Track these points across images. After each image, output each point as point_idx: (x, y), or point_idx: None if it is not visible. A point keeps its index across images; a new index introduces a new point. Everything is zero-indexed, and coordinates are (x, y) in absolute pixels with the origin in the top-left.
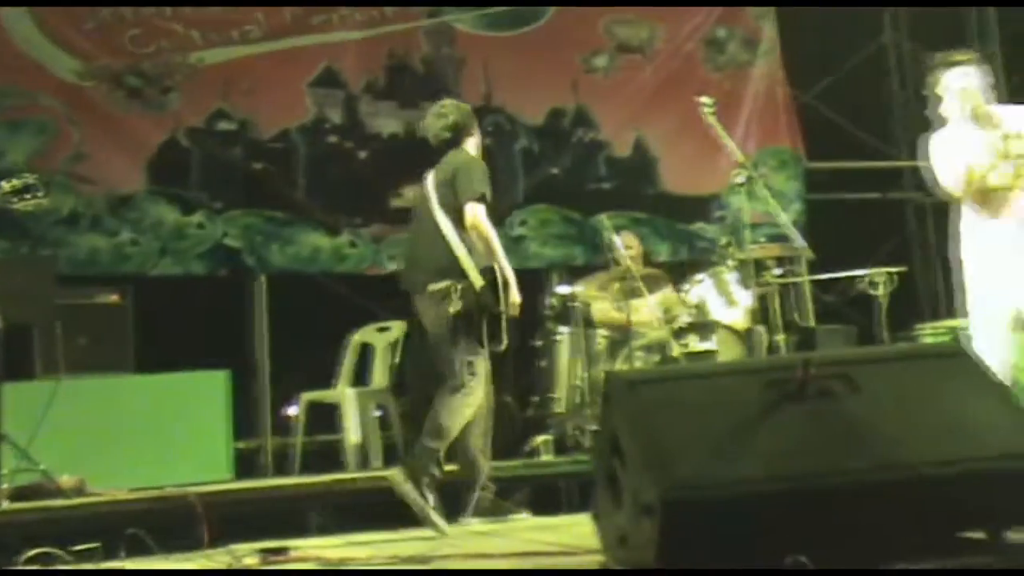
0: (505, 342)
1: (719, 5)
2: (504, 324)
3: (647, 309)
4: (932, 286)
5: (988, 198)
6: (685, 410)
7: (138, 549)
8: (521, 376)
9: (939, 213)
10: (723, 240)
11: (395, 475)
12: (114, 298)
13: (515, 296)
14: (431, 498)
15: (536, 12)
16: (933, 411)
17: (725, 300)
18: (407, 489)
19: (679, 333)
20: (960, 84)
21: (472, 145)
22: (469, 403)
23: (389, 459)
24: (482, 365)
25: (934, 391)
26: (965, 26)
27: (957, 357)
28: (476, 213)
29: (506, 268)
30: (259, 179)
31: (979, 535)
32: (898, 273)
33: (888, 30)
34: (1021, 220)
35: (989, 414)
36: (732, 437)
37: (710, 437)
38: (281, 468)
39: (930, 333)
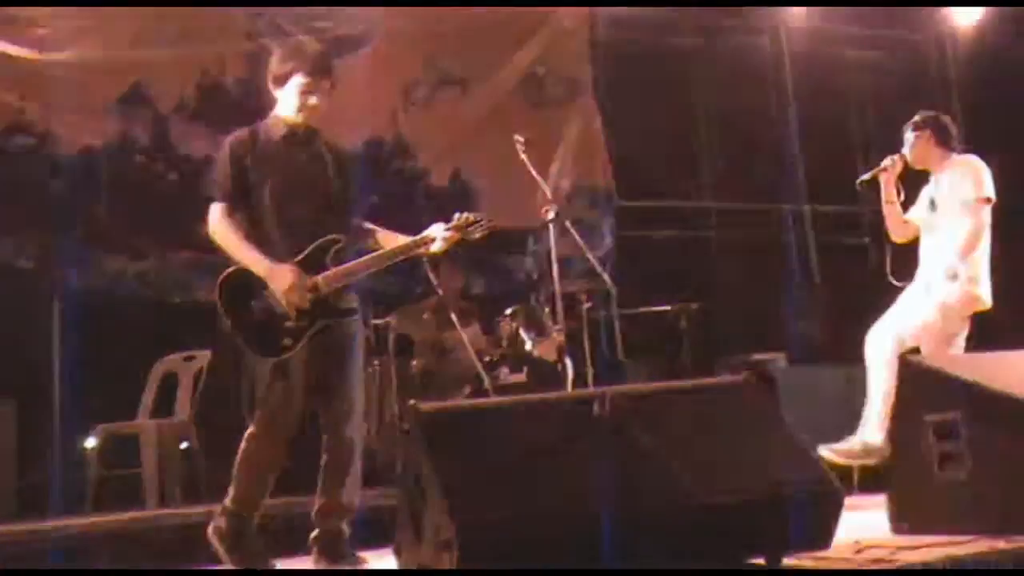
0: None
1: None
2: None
3: (460, 341)
4: (734, 321)
5: None
6: (485, 445)
7: None
8: None
9: (742, 252)
10: (535, 274)
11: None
12: None
13: (275, 290)
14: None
15: (360, 40)
16: (720, 444)
17: (536, 333)
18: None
19: (491, 365)
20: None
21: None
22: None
23: (190, 494)
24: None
25: (721, 425)
26: (766, 78)
27: (744, 392)
28: (209, 215)
29: (253, 265)
30: (59, 198)
31: (759, 561)
32: (701, 308)
33: (696, 77)
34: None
35: (771, 446)
36: (530, 471)
37: (509, 471)
38: (73, 505)
39: (730, 365)
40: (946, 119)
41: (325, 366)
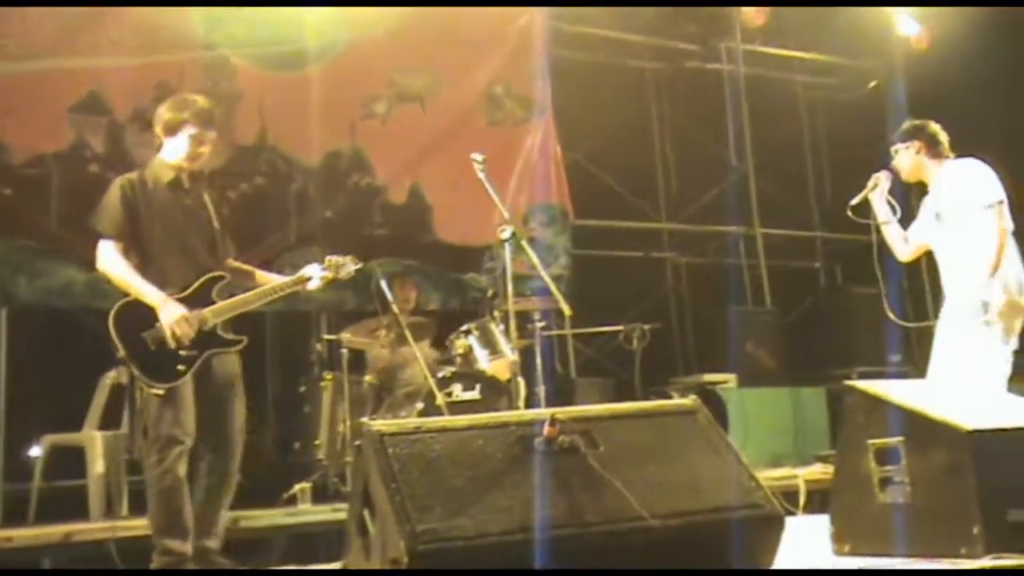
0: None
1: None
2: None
3: (413, 357)
4: (686, 342)
5: None
6: (434, 464)
7: None
8: (284, 422)
9: (695, 273)
10: (489, 292)
11: None
12: None
13: (165, 321)
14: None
15: (319, 54)
16: (665, 466)
17: (490, 351)
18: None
19: (444, 382)
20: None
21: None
22: None
23: (137, 507)
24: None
25: (668, 447)
26: (722, 102)
27: (691, 415)
28: (99, 251)
29: (145, 296)
30: (8, 206)
31: None
32: (653, 329)
33: (652, 99)
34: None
35: (714, 469)
36: (478, 491)
37: (457, 491)
38: (15, 516)
39: (679, 387)
40: (935, 126)
41: (211, 392)
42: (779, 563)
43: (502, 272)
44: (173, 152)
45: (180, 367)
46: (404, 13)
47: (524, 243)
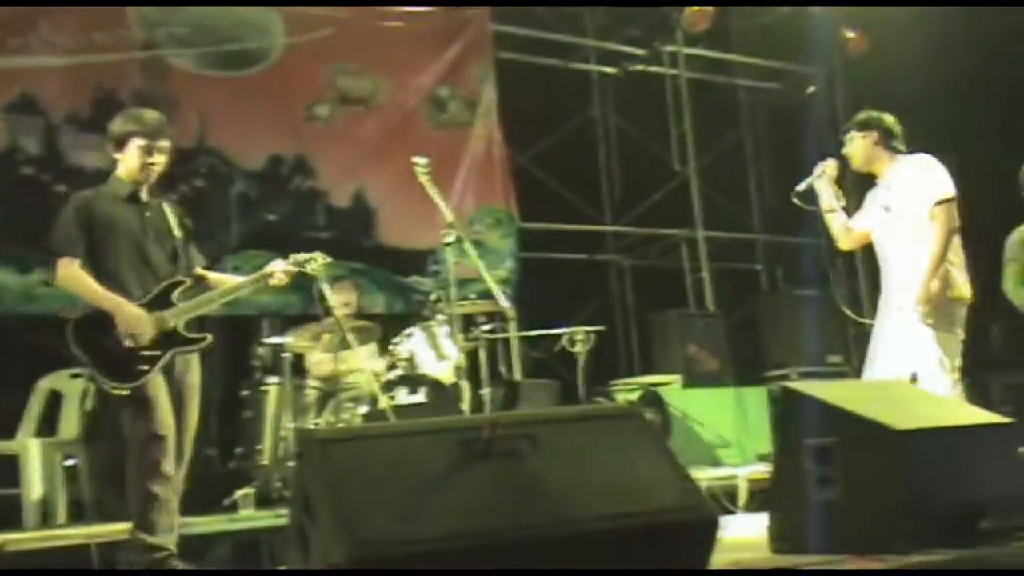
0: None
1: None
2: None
3: (357, 361)
4: (630, 344)
5: None
6: (375, 469)
7: None
8: (226, 427)
9: (639, 276)
10: (434, 295)
11: None
12: None
13: (121, 321)
14: None
15: (261, 55)
16: (605, 469)
17: (435, 354)
18: None
19: (388, 386)
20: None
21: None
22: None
23: (76, 516)
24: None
25: (607, 451)
26: (666, 106)
27: (630, 418)
28: (58, 270)
29: (103, 302)
30: None
31: None
32: (597, 331)
33: (596, 102)
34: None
35: (652, 472)
36: (419, 496)
37: (397, 496)
38: None
39: (623, 389)
40: (892, 119)
41: (173, 394)
42: (716, 562)
43: (446, 275)
44: (125, 166)
45: (143, 366)
46: (348, 14)
47: (468, 246)
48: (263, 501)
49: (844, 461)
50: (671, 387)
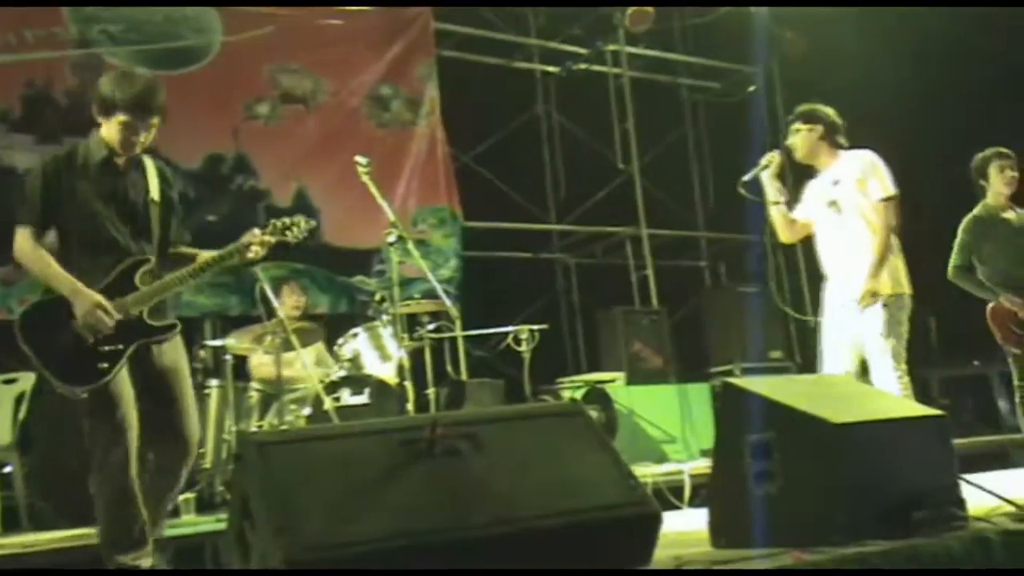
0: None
1: None
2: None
3: (301, 362)
4: (575, 342)
5: None
6: (314, 471)
7: None
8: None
9: (583, 274)
10: (378, 295)
11: None
12: None
13: (77, 312)
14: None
15: (200, 53)
16: (546, 467)
17: (379, 354)
18: None
19: (332, 387)
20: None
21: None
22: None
23: (8, 524)
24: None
25: (549, 449)
26: (609, 104)
27: (572, 416)
28: (16, 239)
29: (60, 286)
30: None
31: None
32: (542, 330)
33: (540, 101)
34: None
35: (594, 469)
36: (359, 497)
37: (338, 498)
38: None
39: (569, 386)
40: (834, 113)
41: (150, 385)
42: (658, 558)
43: (390, 275)
44: (107, 134)
45: (102, 364)
46: (289, 12)
47: (411, 246)
48: (205, 505)
49: (783, 455)
50: (616, 384)
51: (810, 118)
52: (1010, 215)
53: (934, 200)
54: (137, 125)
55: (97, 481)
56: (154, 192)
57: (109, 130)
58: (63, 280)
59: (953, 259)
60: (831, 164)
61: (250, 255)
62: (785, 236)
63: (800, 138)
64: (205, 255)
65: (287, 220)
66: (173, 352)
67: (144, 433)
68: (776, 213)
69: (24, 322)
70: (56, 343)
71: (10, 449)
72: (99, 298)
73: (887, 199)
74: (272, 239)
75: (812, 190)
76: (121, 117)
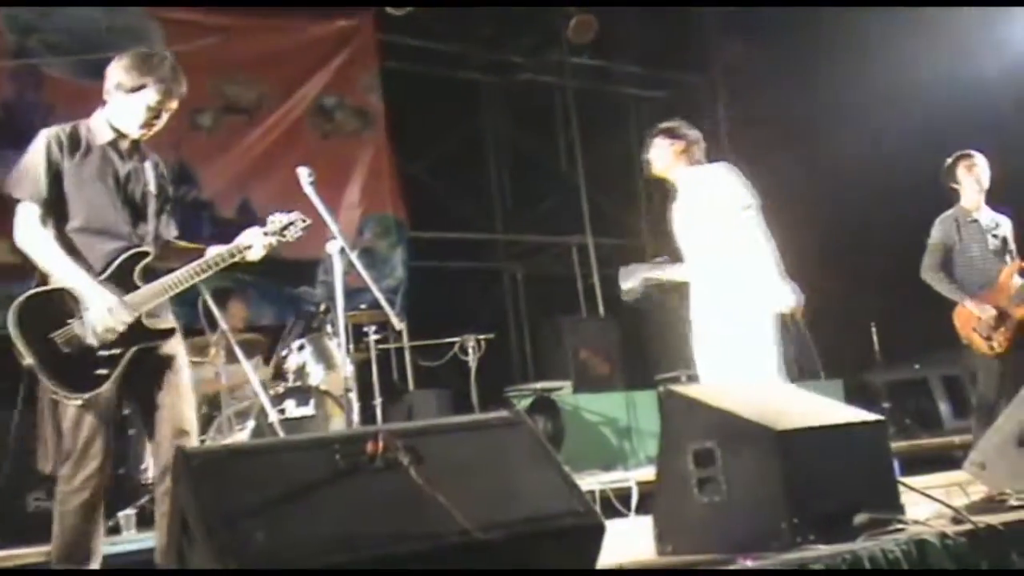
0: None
1: None
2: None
3: (243, 375)
4: (523, 351)
5: None
6: (253, 486)
7: None
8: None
9: (530, 283)
10: (323, 306)
11: None
12: None
13: (96, 313)
14: None
15: None
16: (488, 478)
17: (325, 365)
18: None
19: (277, 399)
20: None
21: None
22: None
23: None
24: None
25: (491, 459)
26: (554, 114)
27: (514, 427)
28: (19, 217)
29: (71, 281)
30: None
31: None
32: (488, 339)
33: (485, 111)
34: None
35: (538, 480)
36: (300, 512)
37: (277, 513)
38: None
39: (516, 395)
40: (697, 132)
41: (146, 392)
42: (604, 563)
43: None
44: (119, 114)
45: (101, 371)
46: (232, 22)
47: (353, 257)
48: (147, 521)
49: (725, 462)
50: (563, 392)
51: (672, 134)
52: (981, 216)
53: (878, 209)
54: (160, 108)
55: (67, 489)
56: (152, 185)
57: (127, 110)
58: (75, 273)
59: (926, 259)
60: (688, 180)
61: (251, 256)
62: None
63: (660, 152)
64: (206, 257)
65: (283, 219)
66: (172, 352)
67: (147, 438)
68: (676, 275)
69: (21, 314)
70: (54, 343)
71: None
72: (116, 299)
73: (749, 207)
74: (273, 241)
75: (676, 210)
76: (150, 99)
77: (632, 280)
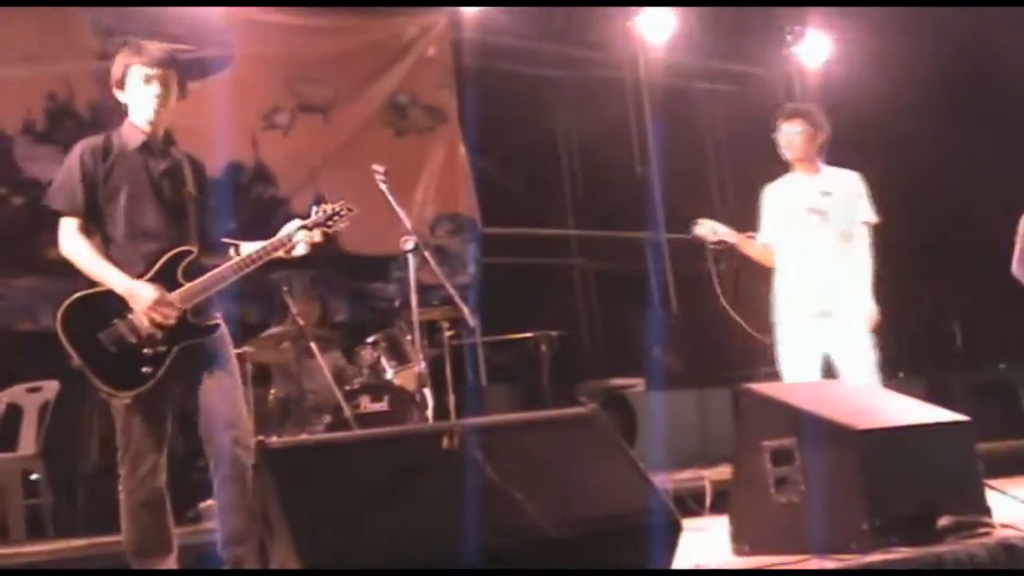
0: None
1: None
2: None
3: (320, 370)
4: (595, 347)
5: None
6: (333, 480)
7: None
8: (189, 438)
9: (602, 279)
10: (396, 302)
11: None
12: None
13: (139, 308)
14: None
15: (219, 63)
16: (563, 474)
17: (398, 361)
18: None
19: (351, 394)
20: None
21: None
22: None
23: (34, 532)
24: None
25: (565, 455)
26: (626, 109)
27: (588, 423)
28: (61, 231)
29: (112, 284)
30: None
31: None
32: (561, 335)
33: (557, 107)
34: None
35: (613, 476)
36: (378, 507)
37: (356, 507)
38: None
39: (589, 391)
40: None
41: (193, 388)
42: (680, 563)
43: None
44: (135, 109)
45: (146, 369)
46: (305, 21)
47: (427, 254)
48: None
49: (803, 461)
50: (635, 389)
51: (814, 121)
52: None
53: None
54: (155, 77)
55: (127, 487)
56: (191, 186)
57: (134, 98)
58: (115, 276)
59: (1016, 253)
60: (818, 172)
61: (297, 252)
62: (771, 261)
63: (804, 137)
64: (246, 251)
65: (327, 208)
66: (219, 347)
67: (195, 434)
68: (748, 247)
69: (68, 317)
70: (100, 343)
71: (37, 458)
72: (157, 293)
73: (870, 224)
74: (317, 238)
75: (787, 195)
76: (139, 70)
77: (706, 228)
